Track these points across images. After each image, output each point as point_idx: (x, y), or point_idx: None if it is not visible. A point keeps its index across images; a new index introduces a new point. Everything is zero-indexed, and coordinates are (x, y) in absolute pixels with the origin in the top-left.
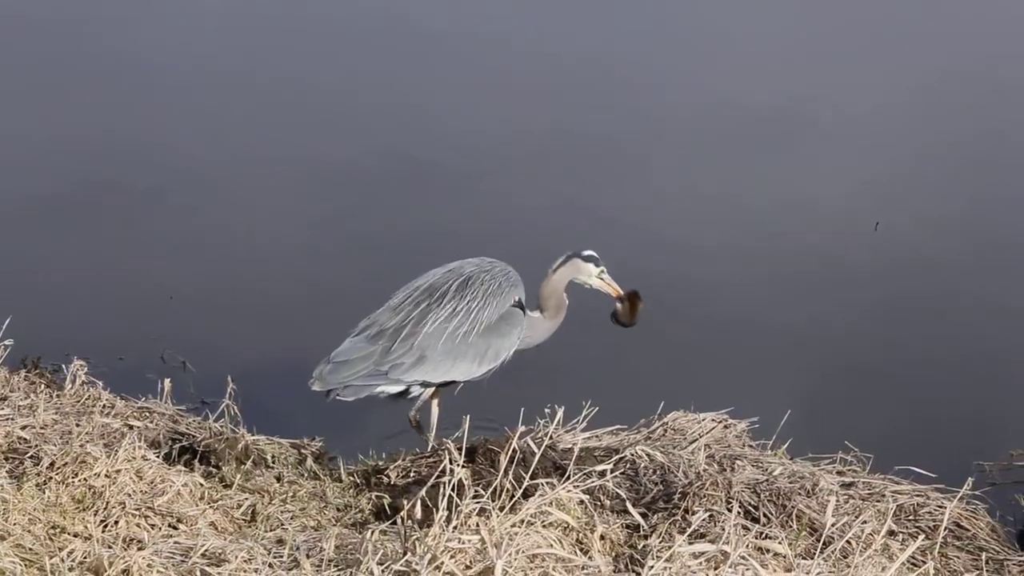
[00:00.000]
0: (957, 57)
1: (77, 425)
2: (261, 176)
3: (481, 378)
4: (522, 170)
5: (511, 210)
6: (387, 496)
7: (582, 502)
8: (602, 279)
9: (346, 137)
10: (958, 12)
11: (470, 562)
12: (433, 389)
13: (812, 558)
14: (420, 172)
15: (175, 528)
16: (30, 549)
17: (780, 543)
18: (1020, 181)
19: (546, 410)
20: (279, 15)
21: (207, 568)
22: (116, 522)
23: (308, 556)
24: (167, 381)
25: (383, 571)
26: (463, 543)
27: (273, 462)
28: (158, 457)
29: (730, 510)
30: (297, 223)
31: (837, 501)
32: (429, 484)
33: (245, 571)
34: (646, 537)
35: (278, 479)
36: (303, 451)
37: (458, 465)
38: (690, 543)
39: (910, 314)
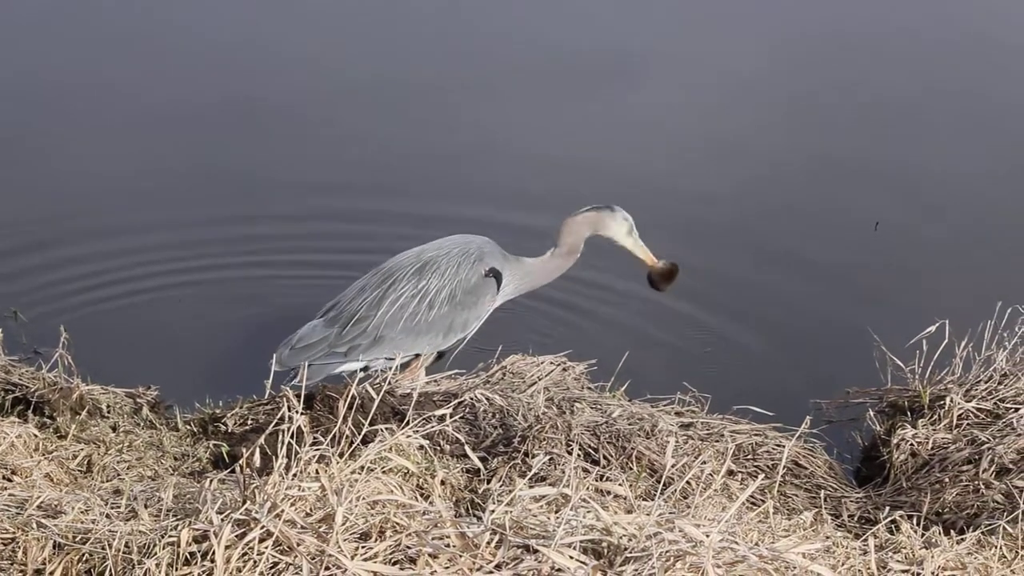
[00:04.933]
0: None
1: None
2: (100, 116)
3: (454, 347)
4: (367, 113)
5: (356, 152)
6: (225, 444)
7: (422, 447)
8: (632, 240)
9: (193, 79)
10: None
11: (310, 509)
12: (410, 360)
13: (653, 499)
14: (264, 114)
15: (9, 480)
16: None
17: (620, 485)
18: (857, 132)
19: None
20: None
21: (43, 520)
22: None
23: (146, 506)
24: None
25: (223, 519)
26: (303, 490)
27: (108, 412)
28: None
29: (570, 453)
30: (135, 167)
31: (676, 442)
32: (267, 432)
33: (82, 522)
34: (487, 481)
35: (114, 429)
36: (138, 400)
37: (296, 412)
38: (531, 487)
39: (745, 255)
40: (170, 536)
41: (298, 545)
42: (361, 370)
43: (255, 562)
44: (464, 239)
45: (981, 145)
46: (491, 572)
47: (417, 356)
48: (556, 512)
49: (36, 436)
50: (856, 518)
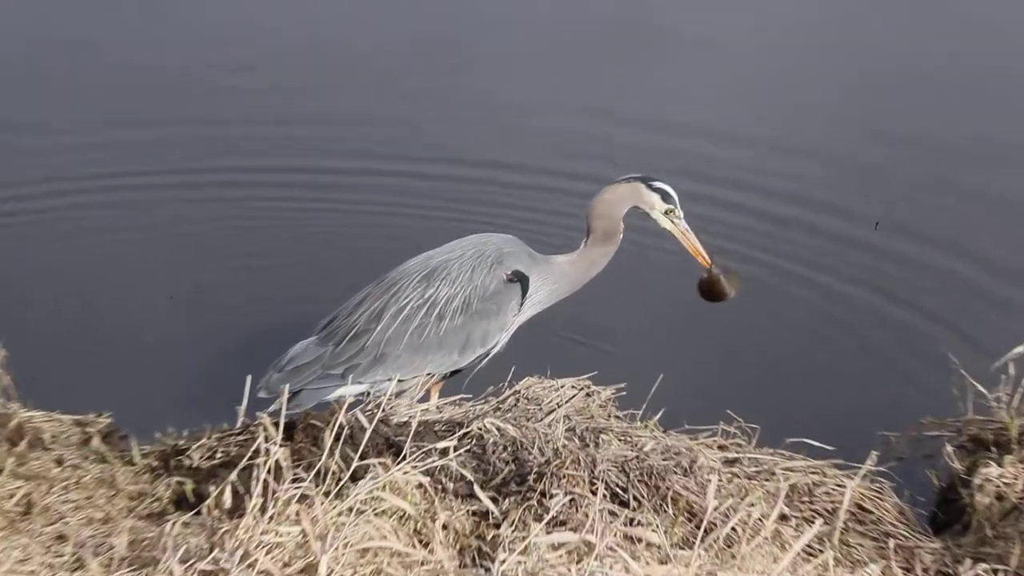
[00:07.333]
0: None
1: None
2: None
3: (472, 365)
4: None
5: (359, 125)
6: (189, 481)
7: (421, 485)
8: (673, 221)
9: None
10: None
11: (289, 558)
12: (422, 381)
13: (691, 548)
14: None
15: None
16: None
17: (654, 531)
18: (923, 135)
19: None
20: None
21: None
22: None
23: (95, 555)
24: None
25: (186, 570)
26: (281, 536)
27: (52, 443)
28: None
29: (594, 493)
30: (80, 173)
31: (719, 481)
32: (240, 467)
33: (19, 573)
34: (496, 526)
35: (58, 463)
36: (88, 429)
37: (274, 443)
38: (548, 532)
39: (800, 262)
40: None
41: None
42: (362, 395)
43: None
44: (480, 239)
45: None
46: None
47: (431, 378)
48: (578, 563)
49: None
50: (932, 572)
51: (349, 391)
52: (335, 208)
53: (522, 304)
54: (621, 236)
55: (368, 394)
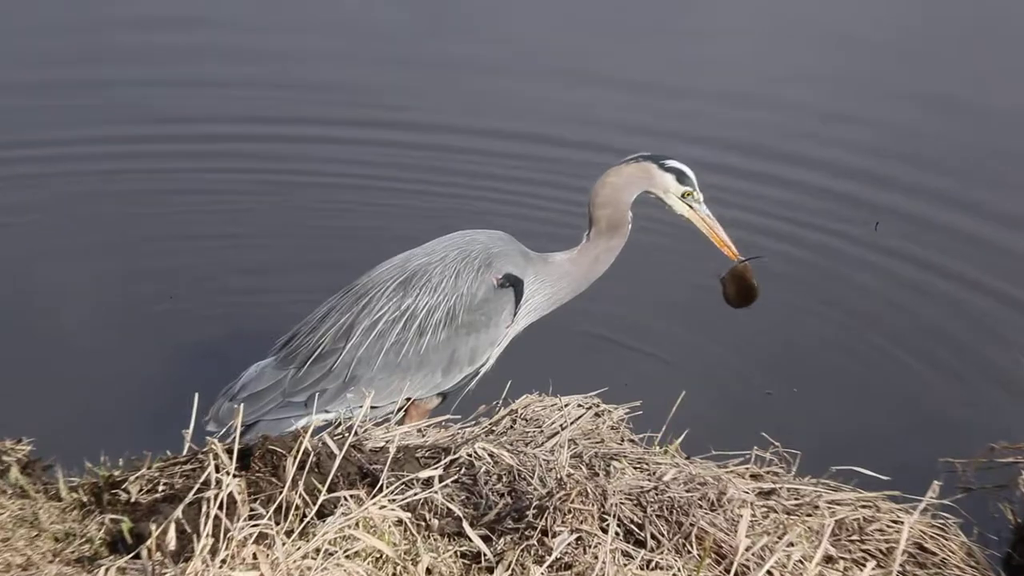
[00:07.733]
0: None
1: None
2: None
3: (458, 387)
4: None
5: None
6: (126, 519)
7: (400, 522)
8: (691, 207)
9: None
10: None
11: None
12: (399, 406)
13: None
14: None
15: None
16: None
17: (675, 575)
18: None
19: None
20: None
21: None
22: None
23: None
24: None
25: None
26: None
27: None
28: None
29: (605, 530)
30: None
31: (753, 516)
32: (186, 501)
33: None
34: (490, 570)
35: None
36: (5, 458)
37: (227, 473)
38: None
39: (849, 263)
40: None
41: None
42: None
43: None
44: (465, 237)
45: None
46: None
47: (411, 402)
48: None
49: None
50: None
51: (315, 419)
52: (299, 185)
53: (516, 312)
54: (630, 227)
55: (339, 422)
